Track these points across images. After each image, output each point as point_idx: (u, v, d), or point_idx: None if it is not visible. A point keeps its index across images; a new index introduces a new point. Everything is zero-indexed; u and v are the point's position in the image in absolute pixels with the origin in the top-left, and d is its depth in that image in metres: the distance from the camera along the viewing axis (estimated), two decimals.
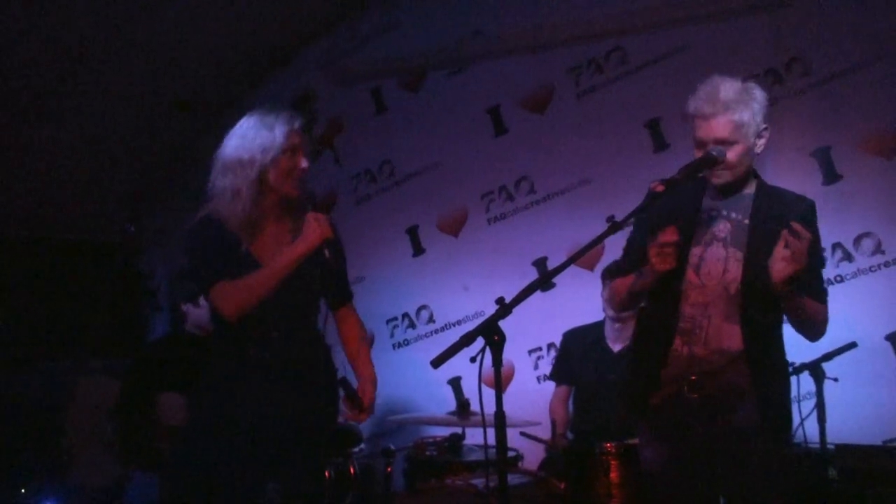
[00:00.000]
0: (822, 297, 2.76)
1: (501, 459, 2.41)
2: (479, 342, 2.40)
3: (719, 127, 2.69)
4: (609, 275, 3.93)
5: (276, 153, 2.78)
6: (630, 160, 4.67)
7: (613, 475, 3.33)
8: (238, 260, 2.78)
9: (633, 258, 2.89)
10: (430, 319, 5.24)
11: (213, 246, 2.80)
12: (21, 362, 5.07)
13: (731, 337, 2.70)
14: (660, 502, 2.82)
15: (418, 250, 5.33)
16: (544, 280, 2.58)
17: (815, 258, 2.73)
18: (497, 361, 2.39)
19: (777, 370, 2.75)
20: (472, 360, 2.40)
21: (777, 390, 2.72)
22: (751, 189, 2.81)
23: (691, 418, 2.71)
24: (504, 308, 2.44)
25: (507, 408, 2.45)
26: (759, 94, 2.74)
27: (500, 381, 2.40)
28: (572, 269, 4.67)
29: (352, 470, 3.64)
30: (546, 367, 4.71)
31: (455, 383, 5.05)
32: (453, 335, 5.12)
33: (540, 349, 4.81)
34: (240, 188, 2.78)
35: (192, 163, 6.20)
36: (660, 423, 2.80)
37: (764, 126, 2.74)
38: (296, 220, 2.85)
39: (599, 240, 2.62)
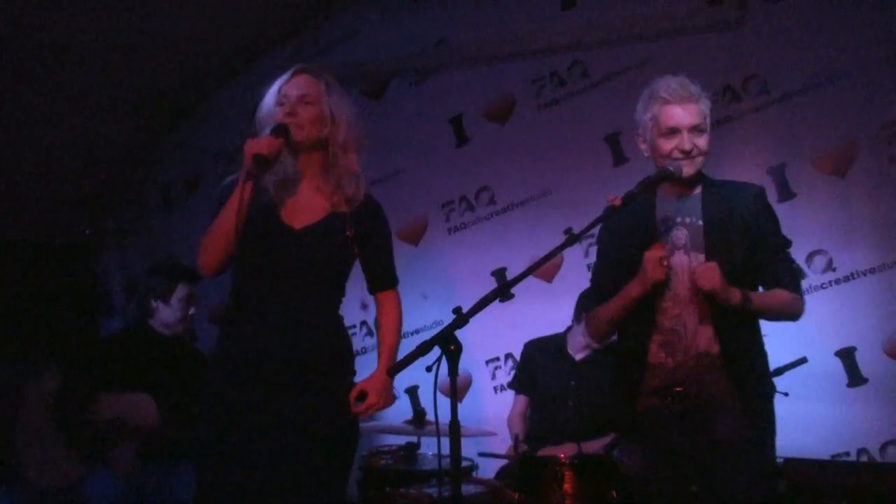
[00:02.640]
0: (789, 283, 2.84)
1: (455, 469, 2.41)
2: (436, 351, 2.40)
3: (694, 113, 2.79)
4: (584, 308, 3.99)
5: (271, 103, 2.74)
6: (589, 173, 4.72)
7: (567, 486, 3.34)
8: (263, 222, 2.70)
9: (607, 281, 2.93)
10: None
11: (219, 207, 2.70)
12: None
13: (708, 339, 2.76)
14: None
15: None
16: (502, 290, 2.59)
17: (772, 245, 2.83)
18: (453, 371, 2.40)
19: (756, 373, 2.81)
20: (429, 369, 2.40)
21: (757, 397, 2.77)
22: (698, 189, 2.87)
23: (672, 431, 2.75)
24: (461, 318, 2.45)
25: (463, 417, 2.46)
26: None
27: (455, 391, 2.40)
28: (531, 280, 4.74)
29: None
30: (503, 377, 4.73)
31: (412, 392, 5.05)
32: (411, 344, 4.96)
33: (498, 359, 4.83)
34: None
35: (151, 164, 6.17)
36: (641, 433, 2.85)
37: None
38: (331, 179, 2.77)
39: (556, 251, 2.64)
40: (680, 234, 2.83)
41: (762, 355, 2.88)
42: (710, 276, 2.69)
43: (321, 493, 2.73)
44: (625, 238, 2.85)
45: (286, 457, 2.66)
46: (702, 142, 2.80)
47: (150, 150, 5.78)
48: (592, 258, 4.58)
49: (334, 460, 2.78)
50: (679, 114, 2.78)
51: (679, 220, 2.84)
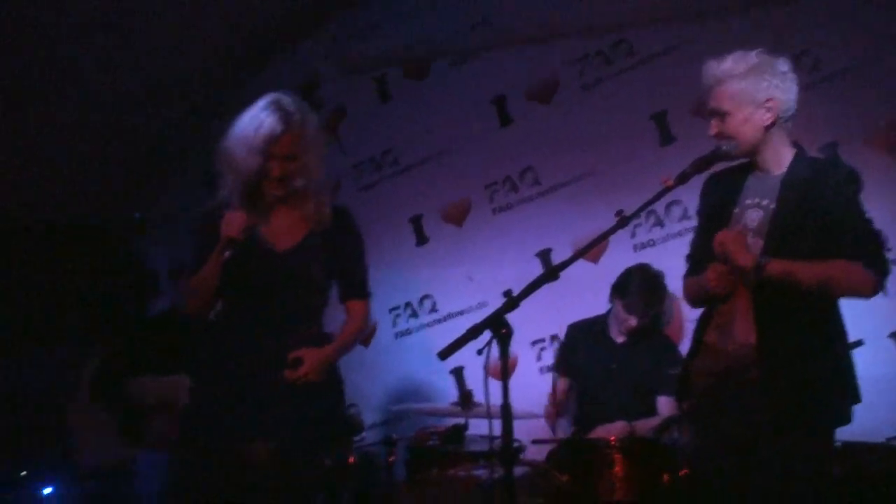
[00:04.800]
0: (854, 252, 2.61)
1: (507, 451, 2.40)
2: (486, 334, 2.39)
3: (715, 97, 2.70)
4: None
5: (252, 159, 2.81)
6: (635, 152, 4.65)
7: (617, 469, 3.32)
8: (247, 246, 2.80)
9: (696, 256, 2.90)
10: (433, 309, 5.22)
11: (201, 243, 2.90)
12: (21, 349, 5.06)
13: (748, 329, 2.68)
14: (698, 486, 2.87)
15: (422, 240, 5.31)
16: (552, 274, 2.56)
17: (849, 226, 2.64)
18: (504, 354, 2.40)
19: (799, 365, 2.62)
20: (479, 352, 2.40)
21: (797, 386, 2.61)
22: (784, 168, 2.73)
23: (720, 412, 2.72)
24: (511, 301, 2.45)
25: (510, 399, 2.44)
26: (771, 65, 2.70)
27: (506, 374, 2.39)
28: (577, 261, 4.71)
29: (351, 459, 3.63)
30: (549, 358, 4.70)
31: (458, 373, 5.03)
32: (456, 325, 5.14)
33: (543, 340, 4.80)
34: (235, 180, 2.86)
35: (195, 146, 6.19)
36: (697, 413, 2.83)
37: (768, 97, 2.67)
38: (308, 206, 2.87)
39: (608, 234, 2.63)
40: (753, 217, 2.73)
41: (812, 349, 2.64)
42: (727, 241, 2.61)
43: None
44: (712, 215, 2.80)
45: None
46: (730, 125, 2.69)
47: (193, 130, 5.79)
48: (639, 238, 4.59)
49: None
50: (708, 97, 2.73)
51: (756, 201, 2.74)
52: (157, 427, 4.20)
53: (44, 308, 5.38)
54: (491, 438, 2.48)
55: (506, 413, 2.39)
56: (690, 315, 3.11)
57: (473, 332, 2.38)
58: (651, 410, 4.04)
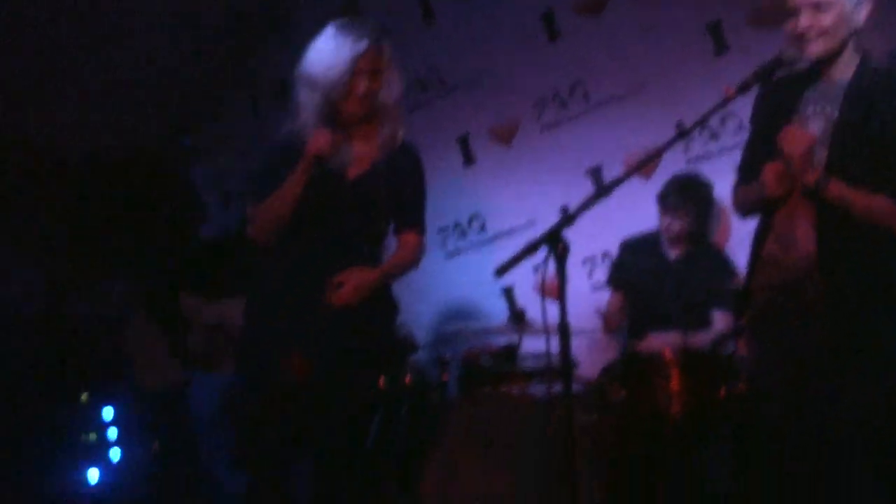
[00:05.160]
0: None
1: (567, 368, 2.39)
2: (543, 251, 2.36)
3: None
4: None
5: (337, 75, 2.79)
6: (689, 64, 4.50)
7: (674, 384, 3.31)
8: (317, 172, 2.78)
9: (750, 166, 2.80)
10: (482, 229, 5.19)
11: (269, 169, 2.90)
12: (80, 278, 5.14)
13: (810, 238, 2.61)
14: (756, 401, 2.85)
15: (469, 159, 5.26)
16: (609, 188, 2.50)
17: None
18: (561, 270, 2.37)
19: (863, 274, 2.54)
20: (536, 268, 2.37)
21: (856, 305, 2.54)
22: (848, 75, 2.60)
23: (782, 325, 2.67)
24: (568, 217, 2.40)
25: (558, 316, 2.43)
26: None
27: (564, 291, 2.37)
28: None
29: (407, 379, 3.66)
30: (601, 275, 4.66)
31: (508, 293, 5.03)
32: (505, 244, 5.12)
33: (594, 258, 4.76)
34: (310, 104, 2.84)
35: (243, 76, 6.17)
36: (757, 327, 2.79)
37: None
38: (384, 128, 2.87)
39: (667, 147, 2.55)
40: (815, 126, 2.61)
41: (874, 268, 2.54)
42: (794, 140, 2.50)
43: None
44: (769, 122, 2.70)
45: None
46: (826, 19, 2.51)
47: (239, 58, 5.76)
48: (693, 152, 4.48)
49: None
50: None
51: (819, 108, 2.62)
52: (212, 349, 4.28)
53: (100, 237, 5.44)
54: (547, 356, 2.45)
55: (563, 330, 2.36)
56: (745, 228, 3.03)
57: (530, 249, 2.36)
58: (705, 325, 4.01)
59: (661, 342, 3.80)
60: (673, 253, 4.15)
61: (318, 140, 2.75)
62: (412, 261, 3.06)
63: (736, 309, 2.97)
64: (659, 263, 4.16)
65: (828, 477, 2.63)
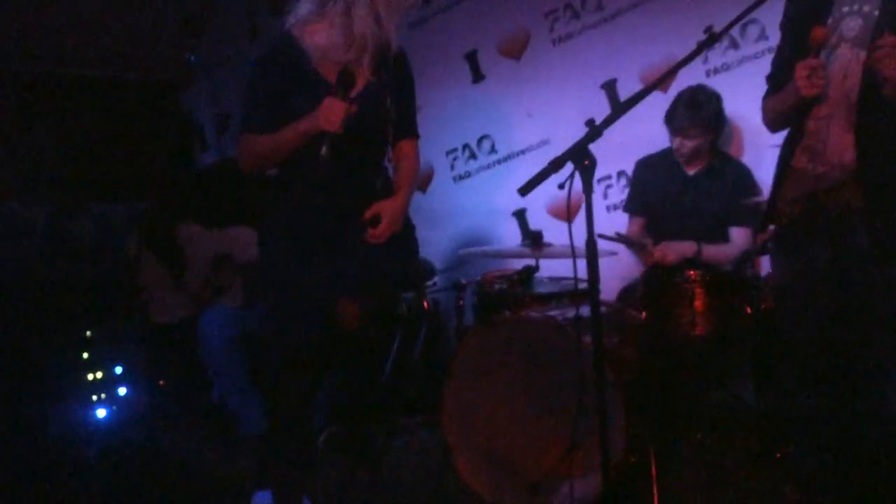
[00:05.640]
0: None
1: (594, 288, 2.37)
2: (568, 167, 2.33)
3: None
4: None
5: None
6: None
7: (698, 303, 3.31)
8: (318, 93, 2.72)
9: (781, 73, 2.74)
10: (492, 150, 5.13)
11: (264, 89, 2.82)
12: (74, 205, 5.10)
13: (849, 150, 2.57)
14: (785, 316, 2.81)
15: (478, 76, 5.17)
16: (634, 101, 2.44)
17: None
18: (588, 186, 2.33)
19: None
20: (561, 186, 2.34)
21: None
22: None
23: (811, 238, 2.65)
24: (594, 130, 2.36)
25: (577, 239, 2.44)
26: None
27: (591, 208, 2.34)
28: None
29: (426, 304, 3.65)
30: (615, 195, 4.63)
31: (520, 215, 5.00)
32: (517, 165, 5.07)
33: (609, 178, 4.71)
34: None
35: None
36: (785, 242, 2.76)
37: None
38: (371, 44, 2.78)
39: (696, 53, 2.48)
40: (852, 25, 2.56)
41: None
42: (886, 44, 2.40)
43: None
44: (801, 23, 2.63)
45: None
46: None
47: None
48: (711, 63, 4.39)
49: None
50: None
51: (857, 7, 2.56)
52: (217, 279, 4.26)
53: (92, 163, 5.40)
54: (577, 279, 2.42)
55: (591, 250, 2.34)
56: (770, 140, 2.97)
57: (555, 165, 2.32)
58: (723, 240, 3.98)
59: (675, 250, 3.80)
60: (692, 169, 4.10)
61: (332, 113, 2.66)
62: (418, 169, 3.04)
63: (762, 224, 2.93)
64: (677, 180, 4.12)
65: (865, 385, 2.64)
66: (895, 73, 2.42)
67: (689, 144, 3.99)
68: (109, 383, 4.37)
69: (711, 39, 2.47)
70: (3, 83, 5.21)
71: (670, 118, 4.03)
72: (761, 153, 4.14)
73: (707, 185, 4.05)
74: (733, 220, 3.98)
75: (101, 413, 4.29)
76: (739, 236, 3.97)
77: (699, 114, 3.95)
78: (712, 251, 3.85)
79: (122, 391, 4.37)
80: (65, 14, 5.17)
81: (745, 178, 4.05)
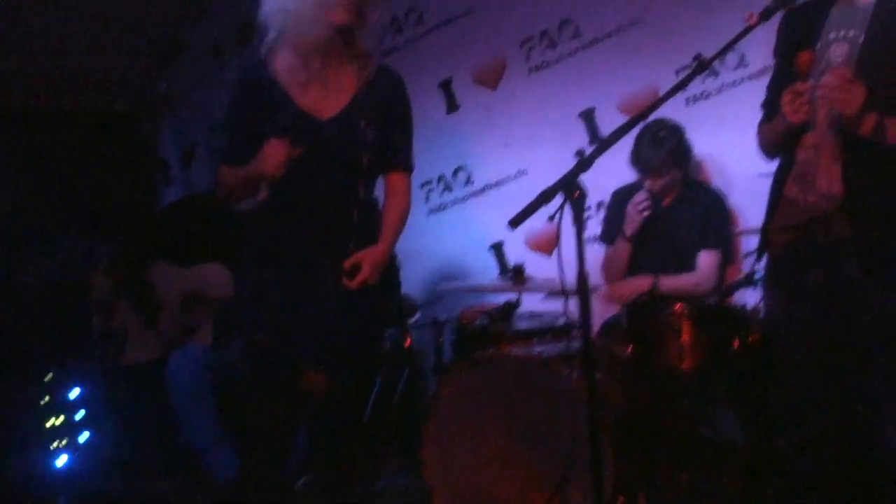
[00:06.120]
0: None
1: (586, 326, 2.37)
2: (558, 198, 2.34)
3: None
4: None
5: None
6: None
7: (685, 337, 3.31)
8: (286, 121, 2.72)
9: (775, 99, 2.78)
10: (468, 181, 5.14)
11: (236, 119, 2.86)
12: (35, 240, 5.03)
13: (837, 180, 2.61)
14: (778, 347, 2.83)
15: (452, 106, 5.18)
16: (625, 130, 2.47)
17: None
18: (579, 219, 2.35)
19: (890, 218, 2.58)
20: (551, 218, 2.35)
21: (887, 240, 2.57)
22: None
23: (803, 267, 2.67)
24: (584, 161, 2.38)
25: (552, 271, 2.51)
26: None
27: (581, 240, 2.36)
28: (620, 119, 4.58)
29: (408, 341, 3.63)
30: (595, 227, 4.65)
31: (498, 249, 5.00)
32: (494, 197, 5.08)
33: (589, 209, 4.73)
34: (278, 22, 2.76)
35: (199, 20, 6.02)
36: (777, 271, 2.78)
37: None
38: (360, 57, 2.76)
39: (686, 81, 2.52)
40: (839, 51, 2.61)
41: None
42: (847, 93, 2.46)
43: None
44: (791, 49, 2.68)
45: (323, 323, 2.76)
46: None
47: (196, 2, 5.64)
48: (692, 90, 4.42)
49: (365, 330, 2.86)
50: None
51: (842, 33, 2.62)
52: (189, 318, 4.22)
53: (53, 197, 5.34)
54: (566, 312, 2.43)
55: (582, 284, 2.35)
56: (765, 169, 3.01)
57: (545, 197, 2.33)
58: (688, 268, 4.02)
59: (629, 287, 3.87)
60: (665, 200, 4.13)
61: (272, 157, 2.67)
62: (407, 207, 3.00)
63: (757, 253, 2.95)
64: (653, 210, 4.14)
65: (851, 422, 2.66)
66: (846, 109, 2.47)
67: (660, 182, 4.02)
68: (71, 429, 4.29)
69: (700, 68, 2.50)
70: None
71: (636, 159, 4.05)
72: (732, 182, 4.22)
73: (680, 215, 4.08)
74: (702, 243, 4.01)
75: (61, 460, 4.20)
76: (705, 261, 3.99)
77: (663, 149, 3.98)
78: (670, 283, 3.90)
79: (84, 437, 4.29)
80: (25, 44, 5.13)
81: (718, 205, 4.09)
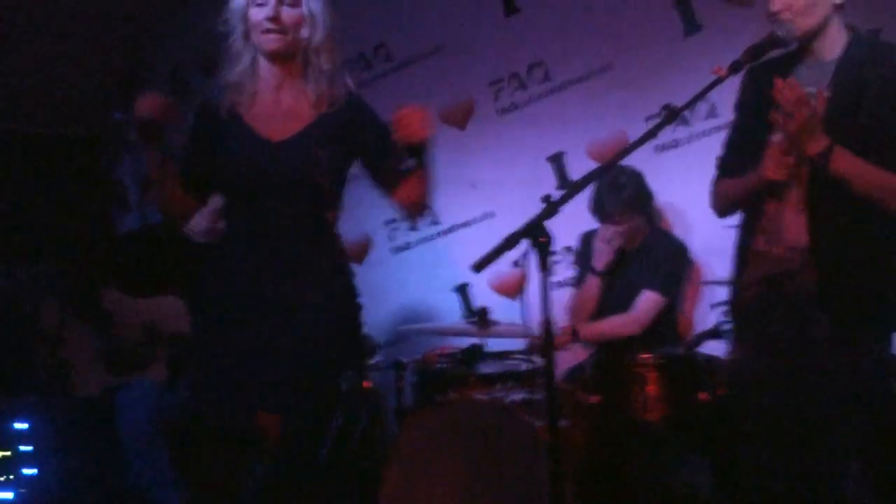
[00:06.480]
0: None
1: (550, 371, 2.39)
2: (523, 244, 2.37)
3: None
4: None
5: (244, 9, 2.74)
6: (657, 44, 4.55)
7: (650, 388, 3.35)
8: (235, 141, 2.73)
9: (732, 156, 2.84)
10: (434, 221, 5.16)
11: (191, 139, 2.83)
12: None
13: (804, 232, 2.66)
14: (743, 399, 2.84)
15: None
16: (594, 176, 2.51)
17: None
18: (544, 264, 2.36)
19: (858, 270, 2.63)
20: (516, 263, 2.37)
21: (855, 293, 2.63)
22: (837, 52, 2.69)
23: (771, 321, 2.71)
24: (551, 206, 2.41)
25: (521, 315, 2.56)
26: None
27: (547, 286, 2.37)
28: (590, 163, 4.64)
29: (366, 384, 3.63)
30: (563, 272, 4.68)
31: (462, 290, 5.02)
32: (460, 237, 5.11)
33: (555, 253, 4.76)
34: (231, 48, 2.79)
35: (160, 45, 6.03)
36: (744, 324, 2.82)
37: None
38: (318, 81, 2.78)
39: (655, 131, 2.56)
40: None
41: (872, 254, 2.64)
42: (797, 109, 2.51)
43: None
44: (755, 110, 2.74)
45: (280, 373, 2.70)
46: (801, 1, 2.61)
47: (158, 28, 5.64)
48: (661, 139, 4.48)
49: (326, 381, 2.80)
50: None
51: (808, 90, 2.70)
52: (140, 351, 4.18)
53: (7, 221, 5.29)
54: (549, 357, 2.43)
55: (547, 332, 2.37)
56: (730, 221, 3.06)
57: (509, 242, 2.35)
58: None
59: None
60: (629, 246, 4.18)
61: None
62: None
63: (728, 307, 2.99)
64: (623, 254, 4.19)
65: (818, 477, 2.69)
66: (790, 126, 2.53)
67: (621, 229, 4.07)
68: (15, 463, 4.22)
69: (670, 117, 2.55)
70: None
71: (597, 207, 4.10)
72: (696, 232, 4.29)
73: (642, 261, 4.13)
74: (645, 284, 4.04)
75: (6, 496, 4.14)
76: (643, 301, 4.02)
77: (623, 195, 4.03)
78: (590, 330, 3.99)
79: (29, 471, 4.23)
80: None
81: (675, 252, 4.15)
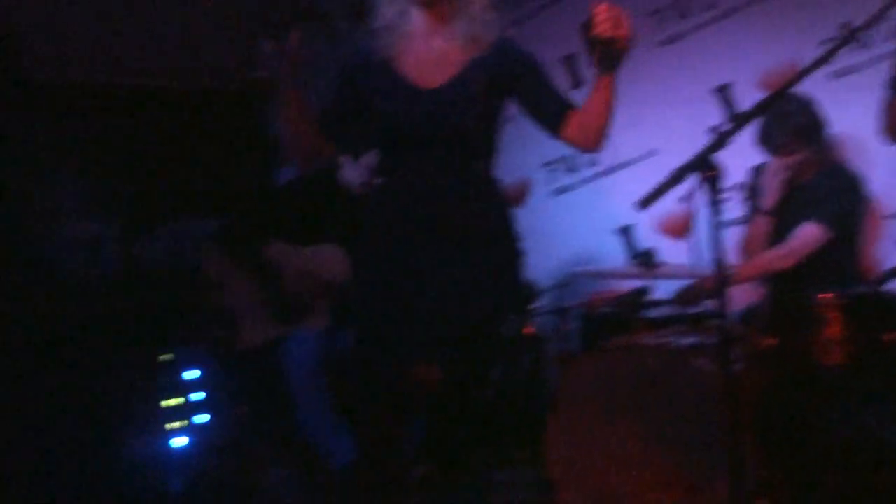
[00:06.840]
0: None
1: (723, 313, 2.32)
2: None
3: None
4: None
5: None
6: None
7: (832, 329, 3.20)
8: (387, 89, 2.74)
9: None
10: (593, 161, 5.09)
11: (334, 93, 2.88)
12: (147, 224, 5.19)
13: None
14: None
15: (576, 82, 5.13)
16: (766, 105, 2.40)
17: None
18: (713, 200, 2.29)
19: None
20: (684, 200, 2.30)
21: None
22: None
23: None
24: (720, 137, 2.32)
25: (689, 257, 2.51)
26: None
27: (719, 223, 2.30)
28: (758, 97, 4.46)
29: (529, 330, 3.62)
30: (733, 209, 4.53)
31: (626, 232, 4.94)
32: (620, 178, 5.02)
33: (725, 189, 4.62)
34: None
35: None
36: None
37: None
38: (462, 28, 2.75)
39: (830, 55, 2.43)
40: None
41: None
42: None
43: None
44: None
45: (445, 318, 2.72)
46: None
47: None
48: (839, 63, 4.26)
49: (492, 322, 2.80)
50: None
51: None
52: (304, 300, 4.29)
53: (171, 179, 5.49)
54: (724, 303, 2.35)
55: (720, 269, 2.30)
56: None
57: (677, 176, 2.29)
58: None
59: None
60: (799, 179, 3.99)
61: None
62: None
63: None
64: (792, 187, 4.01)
65: None
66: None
67: (790, 161, 3.90)
68: (187, 410, 4.43)
69: (848, 38, 2.41)
70: (72, 96, 5.32)
71: (765, 138, 3.93)
72: (877, 163, 4.07)
73: (810, 195, 3.94)
74: (807, 215, 3.86)
75: (178, 442, 4.35)
76: (801, 233, 3.84)
77: (791, 125, 3.85)
78: (745, 268, 3.85)
79: (201, 419, 4.43)
80: (137, 24, 5.30)
81: (852, 187, 3.94)
